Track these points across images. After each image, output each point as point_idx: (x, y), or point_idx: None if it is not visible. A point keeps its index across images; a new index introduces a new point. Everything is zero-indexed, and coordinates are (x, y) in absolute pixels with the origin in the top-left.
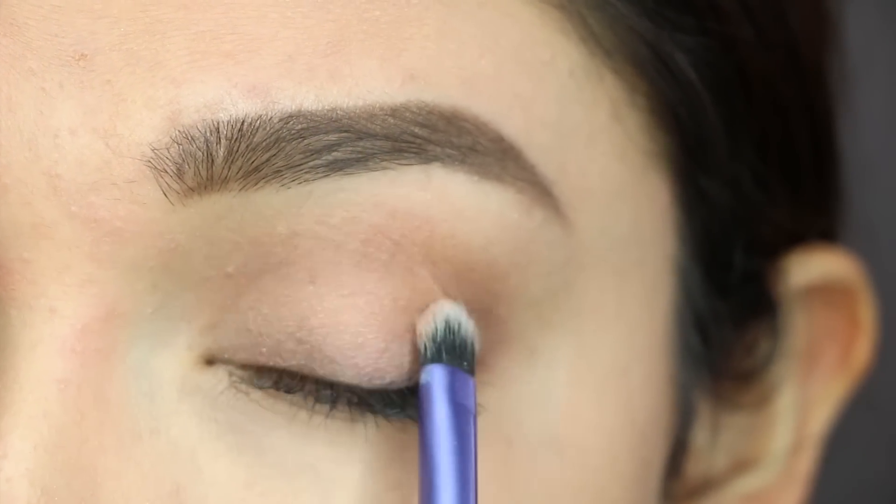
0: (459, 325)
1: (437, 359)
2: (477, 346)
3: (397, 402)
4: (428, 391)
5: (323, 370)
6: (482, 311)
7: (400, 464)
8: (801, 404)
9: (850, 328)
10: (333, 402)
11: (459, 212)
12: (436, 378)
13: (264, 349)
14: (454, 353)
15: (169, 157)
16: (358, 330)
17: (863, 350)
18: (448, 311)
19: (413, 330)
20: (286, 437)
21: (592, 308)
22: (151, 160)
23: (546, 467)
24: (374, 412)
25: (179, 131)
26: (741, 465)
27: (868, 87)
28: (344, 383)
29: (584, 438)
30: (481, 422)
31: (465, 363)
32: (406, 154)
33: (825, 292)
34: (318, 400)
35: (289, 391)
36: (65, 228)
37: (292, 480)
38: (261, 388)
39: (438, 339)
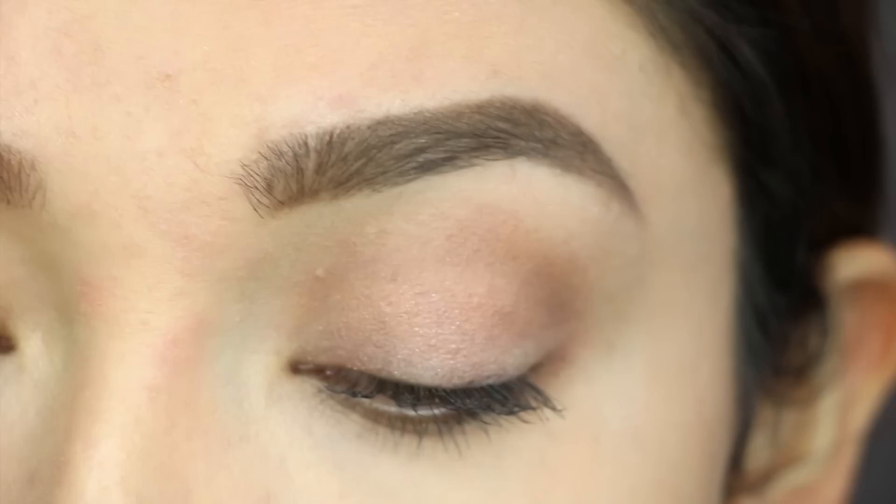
0: None
1: None
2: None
3: (481, 401)
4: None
5: (400, 372)
6: (559, 305)
7: (497, 470)
8: (845, 401)
9: (891, 321)
10: (414, 406)
11: (543, 206)
12: None
13: (342, 352)
14: None
15: (258, 174)
16: (431, 331)
17: None
18: None
19: (483, 329)
20: (384, 460)
21: (663, 303)
22: (241, 177)
23: (630, 464)
24: (460, 416)
25: (268, 147)
26: (786, 461)
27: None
28: (423, 385)
29: (662, 434)
30: (570, 420)
31: None
32: (492, 149)
33: (869, 287)
34: (399, 404)
35: (367, 395)
36: (155, 247)
37: (388, 496)
38: (340, 392)
39: None
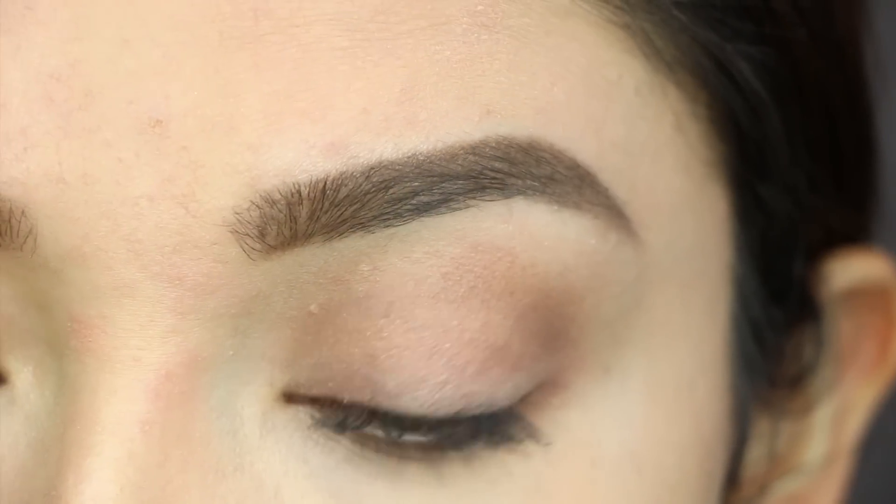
0: None
1: None
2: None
3: (468, 430)
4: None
5: (388, 404)
6: (554, 336)
7: (492, 496)
8: (839, 411)
9: (886, 328)
10: (400, 436)
11: (539, 241)
12: None
13: (332, 384)
14: None
15: (251, 221)
16: (421, 363)
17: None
18: None
19: (474, 363)
20: (369, 476)
21: (661, 323)
22: (233, 224)
23: (628, 486)
24: (444, 447)
25: (260, 196)
26: (779, 470)
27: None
28: (410, 415)
29: (660, 455)
30: (566, 445)
31: None
32: (488, 190)
33: (864, 295)
34: (387, 435)
35: (356, 427)
36: (147, 287)
37: None
38: (329, 426)
39: None
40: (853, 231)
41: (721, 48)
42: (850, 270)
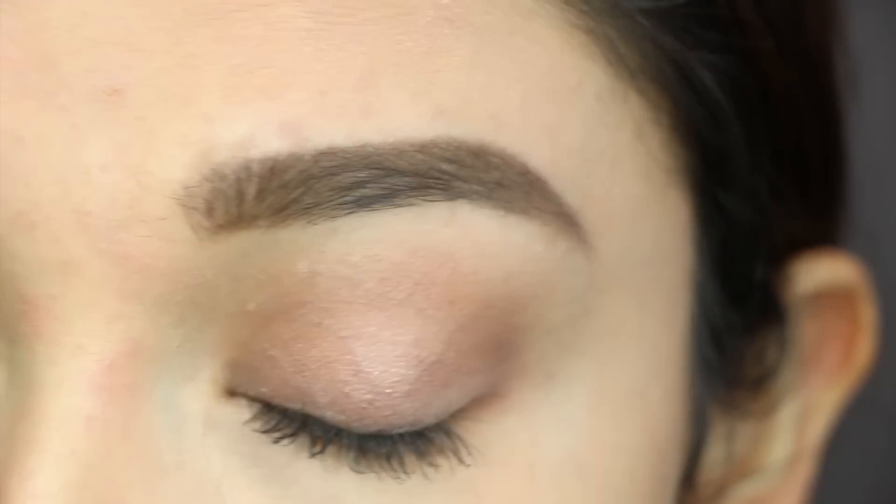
0: None
1: None
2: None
3: (391, 448)
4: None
5: (317, 414)
6: (496, 346)
7: (423, 495)
8: (802, 412)
9: (851, 331)
10: (323, 449)
11: (482, 248)
12: None
13: (265, 390)
14: None
15: (199, 195)
16: (347, 378)
17: (863, 352)
18: None
19: (403, 383)
20: (308, 469)
21: (612, 330)
22: (182, 198)
23: (569, 491)
24: (367, 458)
25: (211, 169)
26: (740, 472)
27: (870, 90)
28: (337, 427)
29: (606, 460)
30: (502, 448)
31: None
32: (432, 190)
33: (829, 297)
34: (314, 442)
35: (291, 435)
36: (93, 265)
37: None
38: (266, 428)
39: None
40: (820, 236)
41: (684, 56)
42: (816, 273)
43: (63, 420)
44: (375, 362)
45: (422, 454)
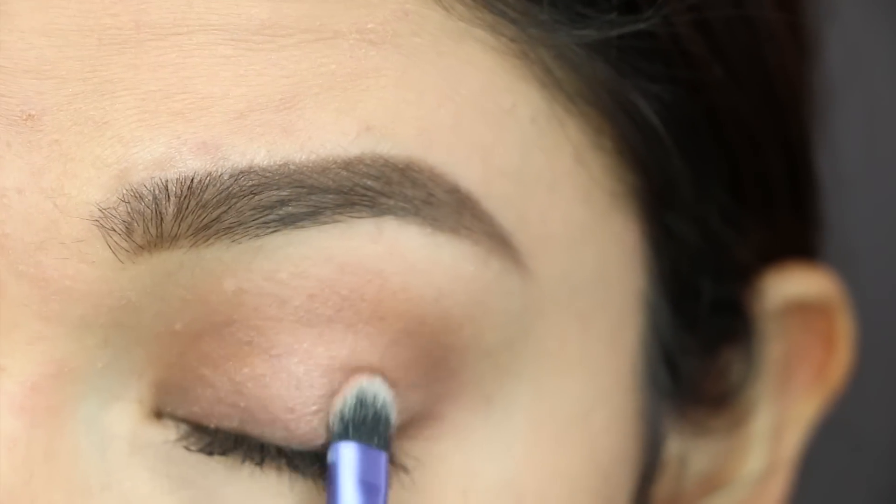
0: (374, 397)
1: (344, 436)
2: (394, 418)
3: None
4: (334, 471)
5: (256, 432)
6: (432, 365)
7: None
8: (777, 425)
9: (825, 346)
10: (261, 464)
11: (412, 265)
12: (342, 458)
13: (197, 409)
14: (364, 428)
15: (117, 216)
16: (289, 393)
17: (837, 368)
18: (363, 385)
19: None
20: (236, 491)
21: (552, 354)
22: (99, 219)
23: None
24: (304, 476)
25: (127, 190)
26: (710, 486)
27: (846, 105)
28: (275, 445)
29: (544, 485)
30: (437, 474)
31: (377, 438)
32: (357, 207)
33: (802, 310)
34: (250, 461)
35: (223, 453)
36: (13, 287)
37: None
38: (198, 447)
39: (347, 416)
40: (793, 250)
41: (620, 84)
42: (786, 286)
43: None
44: (314, 375)
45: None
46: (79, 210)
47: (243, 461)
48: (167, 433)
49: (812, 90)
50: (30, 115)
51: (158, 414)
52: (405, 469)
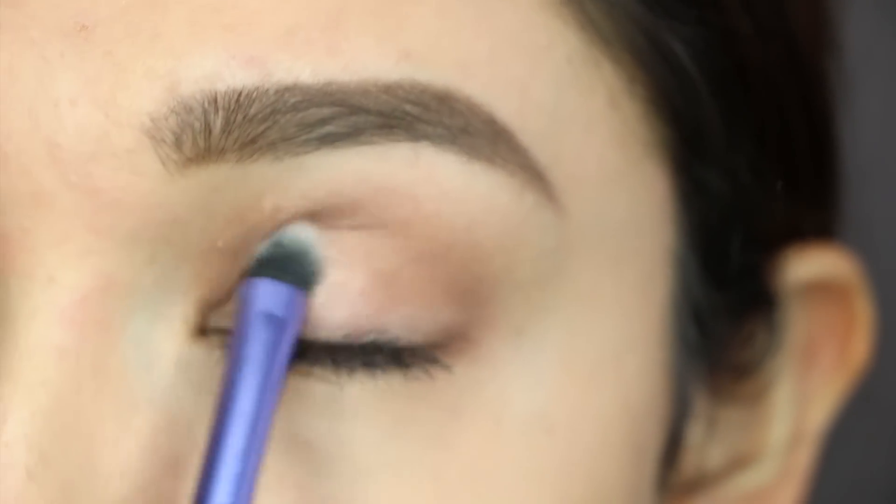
0: (292, 240)
1: (254, 274)
2: (314, 254)
3: (366, 357)
4: (237, 305)
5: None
6: (461, 290)
7: (393, 440)
8: (799, 399)
9: (848, 326)
10: (312, 362)
11: (446, 192)
12: (242, 289)
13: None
14: (275, 265)
15: (167, 127)
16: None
17: (860, 348)
18: (285, 231)
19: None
20: (279, 408)
21: (586, 294)
22: (150, 130)
23: (535, 446)
24: (353, 370)
25: (178, 101)
26: (739, 462)
27: (867, 88)
28: (321, 342)
29: (576, 420)
30: (472, 399)
31: (291, 276)
32: (396, 130)
33: (823, 289)
34: (297, 358)
35: None
36: (64, 198)
37: (288, 453)
38: None
39: (259, 255)
40: (815, 229)
41: (656, 26)
42: (808, 264)
43: (34, 351)
44: (335, 269)
45: (403, 372)
46: (130, 120)
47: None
48: (212, 351)
49: (832, 69)
50: (83, 27)
51: (203, 332)
52: (449, 375)
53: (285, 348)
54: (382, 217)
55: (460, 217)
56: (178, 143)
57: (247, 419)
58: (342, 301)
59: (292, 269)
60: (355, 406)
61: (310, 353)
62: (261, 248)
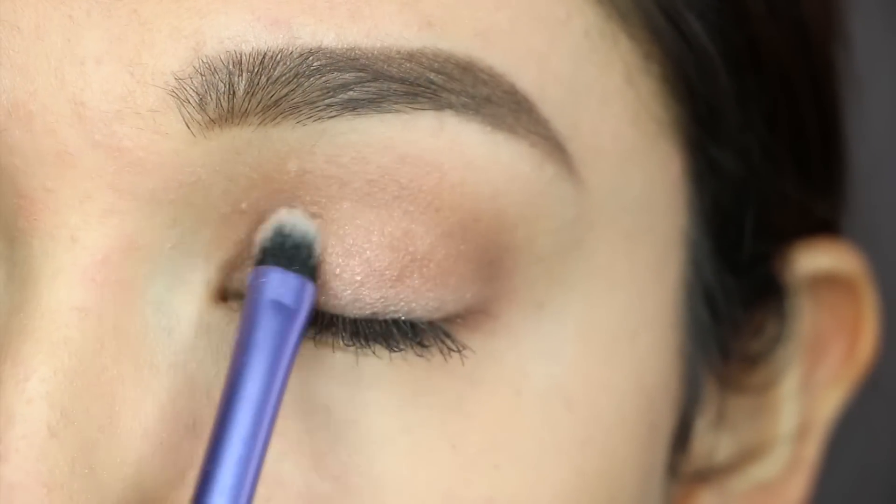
0: (293, 227)
1: (260, 262)
2: (317, 248)
3: (385, 330)
4: (247, 294)
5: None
6: (487, 262)
7: (412, 407)
8: (808, 390)
9: (856, 320)
10: (334, 334)
11: (470, 161)
12: (251, 280)
13: None
14: (280, 255)
15: (192, 87)
16: (338, 261)
17: (867, 343)
18: (282, 217)
19: (395, 265)
20: (299, 376)
21: (602, 268)
22: (175, 90)
23: (554, 418)
24: (370, 344)
25: (203, 62)
26: (748, 454)
27: (871, 87)
28: (329, 312)
29: (593, 394)
30: (491, 370)
31: (297, 266)
32: (420, 99)
33: (831, 283)
34: (319, 332)
35: None
36: (88, 157)
37: (306, 419)
38: None
39: (264, 245)
40: (822, 224)
41: (673, 4)
42: (816, 257)
43: (56, 310)
44: (366, 246)
45: (419, 352)
46: (155, 80)
47: (312, 336)
48: (231, 314)
49: (840, 65)
50: None
51: (224, 296)
52: (463, 352)
53: (294, 337)
54: (410, 187)
55: (485, 186)
56: (201, 104)
57: (253, 405)
58: (373, 281)
59: (298, 258)
60: (375, 374)
61: (332, 325)
62: (261, 234)
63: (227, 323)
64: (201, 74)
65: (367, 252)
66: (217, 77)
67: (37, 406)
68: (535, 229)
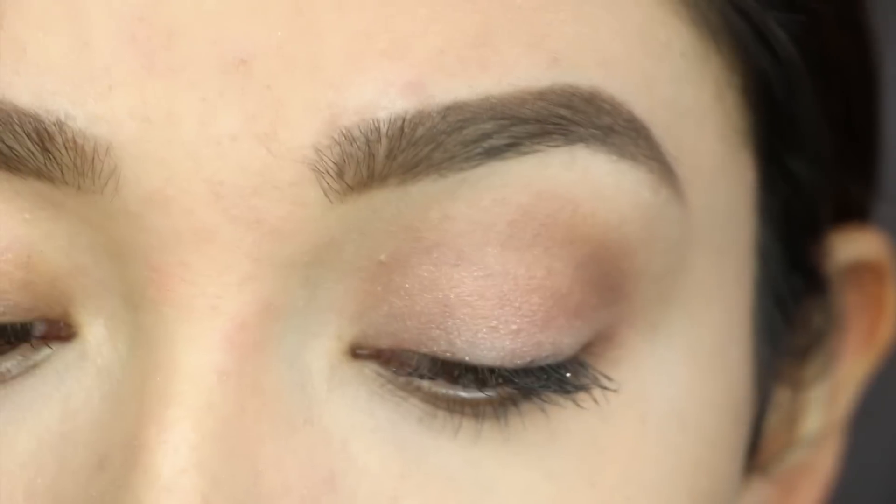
0: None
1: None
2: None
3: (539, 380)
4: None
5: (463, 354)
6: (609, 288)
7: (553, 452)
8: (833, 387)
9: (876, 307)
10: (480, 386)
11: (599, 191)
12: None
13: (406, 335)
14: None
15: (330, 159)
16: (494, 313)
17: (887, 329)
18: None
19: (541, 311)
20: (434, 431)
21: (699, 286)
22: (313, 162)
23: (674, 443)
24: (517, 398)
25: (340, 133)
26: (790, 441)
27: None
28: (486, 365)
29: (701, 414)
30: (617, 399)
31: None
32: (553, 136)
33: (857, 272)
34: (462, 385)
35: (429, 377)
36: (226, 231)
37: (448, 478)
38: (396, 383)
39: None
40: (857, 209)
41: (760, 15)
42: (852, 246)
43: (197, 374)
44: (515, 294)
45: (566, 391)
46: (292, 154)
47: (443, 394)
48: (364, 370)
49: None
50: (242, 61)
51: (355, 350)
52: (604, 383)
53: None
54: (547, 223)
55: (613, 214)
56: (340, 173)
57: None
58: (527, 328)
59: None
60: (514, 425)
61: (484, 384)
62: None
63: (360, 380)
64: (339, 145)
65: (518, 299)
66: (355, 146)
67: (190, 476)
68: (652, 252)
